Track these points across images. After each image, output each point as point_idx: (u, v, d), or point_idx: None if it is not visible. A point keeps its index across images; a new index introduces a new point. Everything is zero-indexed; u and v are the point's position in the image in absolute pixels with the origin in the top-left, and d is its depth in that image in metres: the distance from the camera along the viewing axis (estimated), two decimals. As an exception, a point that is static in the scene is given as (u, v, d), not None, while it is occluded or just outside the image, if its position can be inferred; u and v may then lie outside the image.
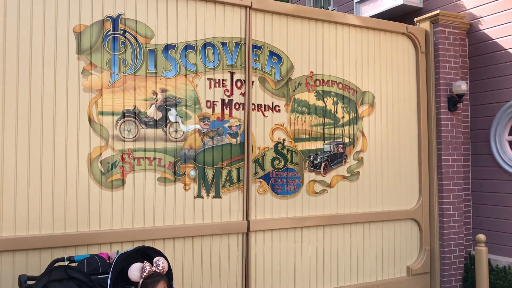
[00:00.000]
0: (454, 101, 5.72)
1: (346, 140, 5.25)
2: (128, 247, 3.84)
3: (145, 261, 2.99)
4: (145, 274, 2.93)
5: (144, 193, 4.21)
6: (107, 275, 3.10)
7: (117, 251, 3.23)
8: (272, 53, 4.85)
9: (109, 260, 3.29)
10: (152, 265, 2.99)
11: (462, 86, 5.61)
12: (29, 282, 2.94)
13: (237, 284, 4.61)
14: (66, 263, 3.17)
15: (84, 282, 3.02)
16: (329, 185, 5.13)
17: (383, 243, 5.45)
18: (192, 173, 4.43)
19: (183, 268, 4.33)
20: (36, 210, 3.79)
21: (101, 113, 4.04)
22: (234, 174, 4.63)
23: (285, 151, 4.89)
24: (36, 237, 3.76)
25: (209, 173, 4.51)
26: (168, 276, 3.11)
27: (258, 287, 4.70)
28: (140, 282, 2.95)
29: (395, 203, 5.55)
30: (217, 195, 4.55)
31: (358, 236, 5.29)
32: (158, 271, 2.97)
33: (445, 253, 5.61)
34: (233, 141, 4.63)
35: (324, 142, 5.11)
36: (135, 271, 2.96)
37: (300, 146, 4.97)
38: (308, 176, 5.01)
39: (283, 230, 4.85)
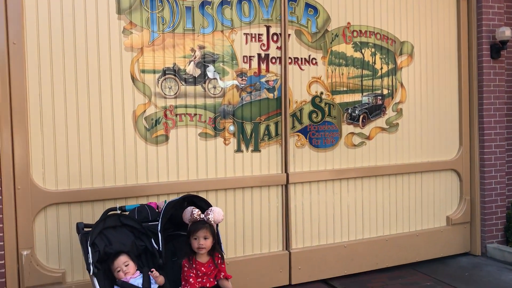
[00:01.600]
0: (497, 48, 5.54)
1: (385, 91, 5.22)
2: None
3: (195, 208, 3.14)
4: (191, 218, 3.08)
5: (187, 147, 4.37)
6: (157, 223, 3.30)
7: (165, 201, 3.41)
8: (308, 5, 4.82)
9: (157, 209, 3.48)
10: (202, 213, 3.14)
11: (506, 32, 5.41)
12: (85, 229, 3.17)
13: (278, 234, 4.78)
14: (118, 212, 3.37)
15: (136, 229, 3.22)
16: (368, 137, 5.15)
17: (423, 193, 5.48)
18: (231, 128, 4.55)
19: (226, 218, 4.51)
20: (87, 165, 4.02)
21: (143, 71, 4.17)
22: (272, 128, 4.71)
23: (322, 104, 4.92)
24: (88, 190, 4.01)
25: (248, 128, 4.61)
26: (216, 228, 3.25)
27: (298, 236, 4.86)
28: (189, 226, 3.12)
29: (435, 154, 5.53)
30: (256, 149, 4.66)
31: (397, 187, 5.33)
32: (205, 219, 3.10)
33: (486, 203, 5.59)
34: (270, 95, 4.69)
35: (362, 94, 5.10)
36: (186, 214, 3.13)
37: (338, 99, 4.98)
38: (346, 128, 5.05)
39: (321, 182, 4.95)
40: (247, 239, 4.65)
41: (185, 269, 3.07)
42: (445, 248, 5.56)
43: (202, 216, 3.11)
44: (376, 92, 5.17)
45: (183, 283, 3.04)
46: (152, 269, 3.01)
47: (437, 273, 5.09)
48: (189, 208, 3.16)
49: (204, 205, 3.28)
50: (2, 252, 3.65)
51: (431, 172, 5.51)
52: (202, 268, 3.08)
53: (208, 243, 3.06)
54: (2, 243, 3.65)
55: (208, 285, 3.03)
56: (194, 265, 3.07)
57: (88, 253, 2.94)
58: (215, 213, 3.14)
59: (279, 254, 4.75)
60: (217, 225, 3.32)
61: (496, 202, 5.63)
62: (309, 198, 4.89)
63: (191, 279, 3.00)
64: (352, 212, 5.09)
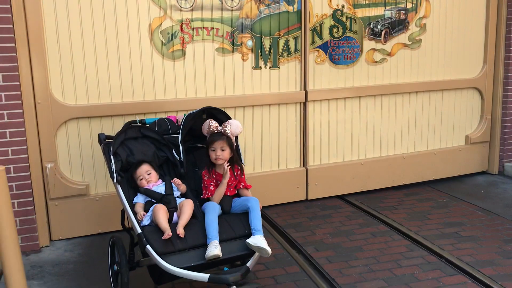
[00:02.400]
0: (531, -43, 5.20)
1: (409, 5, 4.99)
2: (192, 114, 4.04)
3: (212, 120, 3.14)
4: (209, 130, 3.09)
5: (204, 63, 4.30)
6: (177, 135, 3.32)
7: (184, 114, 3.41)
8: None
9: (177, 123, 3.49)
10: (220, 125, 3.14)
11: None
12: (107, 140, 3.21)
13: (296, 151, 4.81)
14: (138, 124, 3.39)
15: (157, 140, 3.25)
16: (389, 54, 5.01)
17: (443, 112, 5.40)
18: (249, 43, 4.44)
19: (244, 135, 4.53)
20: (105, 81, 4.00)
21: (158, -18, 4.03)
22: (291, 43, 4.59)
23: (343, 19, 4.74)
24: (107, 105, 4.02)
25: (266, 43, 4.50)
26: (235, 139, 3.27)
27: (316, 154, 4.88)
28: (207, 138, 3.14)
29: (458, 72, 5.38)
30: (275, 66, 4.58)
31: (417, 105, 5.25)
32: (222, 131, 3.10)
33: (507, 122, 5.51)
34: (290, 8, 4.52)
35: (385, 8, 4.89)
36: (204, 126, 3.14)
37: (360, 13, 4.79)
38: (368, 44, 4.90)
39: (340, 99, 4.89)
40: (265, 156, 4.70)
41: (205, 178, 3.13)
42: (463, 167, 5.58)
43: (220, 128, 3.11)
44: (400, 6, 4.95)
45: (203, 191, 3.11)
46: (175, 178, 3.07)
47: (453, 190, 5.14)
48: (207, 121, 3.15)
49: (223, 118, 3.26)
50: (27, 164, 3.75)
51: (452, 90, 5.39)
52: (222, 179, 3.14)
53: (225, 154, 3.08)
54: (26, 156, 3.73)
55: (228, 194, 3.10)
56: (213, 176, 3.12)
57: (111, 161, 2.99)
58: (232, 125, 3.13)
59: (296, 170, 4.81)
60: (236, 138, 3.33)
61: (517, 121, 5.55)
62: (327, 116, 4.86)
63: (211, 187, 3.07)
64: (371, 130, 5.07)
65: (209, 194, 3.07)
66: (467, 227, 4.16)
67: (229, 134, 3.10)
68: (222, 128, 3.10)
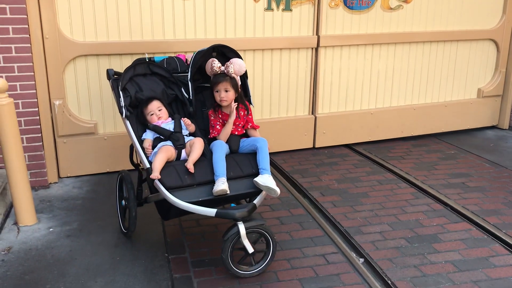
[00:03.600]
0: None
1: (429, -51, 4.79)
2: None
3: (215, 59, 3.06)
4: (211, 70, 3.02)
5: (215, 3, 4.19)
6: (186, 74, 3.26)
7: (194, 52, 3.34)
8: None
9: (186, 62, 3.42)
10: (223, 65, 3.06)
11: None
12: (115, 76, 3.16)
13: (305, 98, 4.76)
14: (147, 61, 3.33)
15: (166, 78, 3.20)
16: (406, 1, 4.85)
17: (456, 64, 5.29)
18: (262, -16, 4.30)
19: (253, 79, 4.47)
20: (114, 18, 3.92)
21: None
22: (305, -14, 4.45)
23: (360, -39, 4.57)
24: (116, 43, 3.96)
25: (280, -16, 4.36)
26: (242, 75, 3.21)
27: (325, 102, 4.83)
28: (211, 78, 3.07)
29: (475, 22, 5.22)
30: (287, 8, 4.45)
31: (431, 56, 5.13)
32: (225, 72, 3.03)
33: (521, 76, 5.40)
34: None
35: (403, -49, 4.69)
36: (207, 66, 3.06)
37: (377, -45, 4.61)
38: (383, -11, 4.74)
39: (353, 46, 4.78)
40: (274, 102, 4.65)
41: (212, 118, 3.10)
42: (473, 121, 5.52)
43: (223, 68, 3.04)
44: (420, -51, 4.75)
45: (210, 130, 3.09)
46: (185, 118, 3.04)
47: (461, 143, 5.11)
48: (210, 60, 3.07)
49: (233, 56, 3.19)
50: (35, 100, 3.73)
51: (468, 41, 5.25)
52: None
53: (230, 95, 3.02)
54: (34, 91, 3.71)
55: (236, 133, 3.07)
56: (219, 116, 3.09)
57: (120, 97, 2.96)
58: (235, 65, 3.05)
59: (304, 117, 4.77)
60: (246, 77, 3.27)
61: (533, 76, 5.43)
62: (339, 63, 4.77)
63: (217, 126, 3.04)
64: (382, 79, 4.99)
65: (215, 133, 3.05)
66: (474, 178, 4.15)
67: (232, 74, 3.03)
68: (225, 69, 3.03)
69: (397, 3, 4.81)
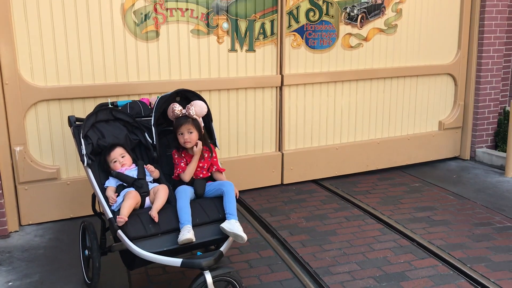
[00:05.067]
0: None
1: (385, -10, 4.99)
2: (166, 97, 3.97)
3: (176, 103, 3.07)
4: (173, 114, 3.03)
5: (179, 45, 4.22)
6: (150, 118, 3.24)
7: (158, 96, 3.33)
8: None
9: (150, 106, 3.41)
10: (184, 108, 3.08)
11: None
12: (77, 123, 3.12)
13: (271, 135, 4.79)
14: (110, 107, 3.30)
15: (129, 123, 3.18)
16: (365, 39, 5.01)
17: (417, 98, 5.45)
18: (225, 25, 4.37)
19: (219, 119, 4.49)
20: (76, 61, 3.89)
21: (130, -40, 3.91)
22: (268, 26, 4.54)
23: (320, 2, 4.70)
24: (78, 87, 3.92)
25: (242, 25, 4.44)
26: (205, 117, 3.23)
27: (291, 138, 4.88)
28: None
29: (432, 58, 5.42)
30: (251, 49, 4.52)
31: (392, 91, 5.28)
32: (187, 114, 3.05)
33: (479, 108, 5.59)
34: (267, -9, 4.46)
35: (361, -8, 4.87)
36: (169, 111, 3.07)
37: (336, -3, 4.77)
38: (344, 29, 4.88)
39: (316, 84, 4.87)
40: (241, 140, 4.67)
41: (175, 156, 3.09)
42: (435, 152, 5.66)
43: (184, 111, 3.06)
44: (376, -10, 4.94)
45: (175, 170, 3.06)
46: (148, 165, 3.01)
47: (425, 175, 5.22)
48: (171, 105, 3.09)
49: (196, 99, 3.20)
50: (-5, 147, 3.63)
51: (427, 76, 5.44)
52: (192, 160, 3.11)
53: (193, 136, 3.03)
54: (-7, 138, 3.62)
55: (201, 176, 3.06)
56: (183, 155, 3.09)
57: (81, 145, 2.91)
58: (196, 107, 3.07)
59: (272, 155, 4.80)
60: (210, 120, 3.29)
61: (489, 108, 5.64)
62: (303, 101, 4.85)
63: (182, 164, 3.03)
64: (346, 115, 5.09)
65: (180, 171, 3.03)
66: (439, 211, 4.23)
67: (194, 116, 3.04)
68: (186, 111, 3.04)
69: (357, 42, 4.96)
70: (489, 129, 5.72)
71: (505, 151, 5.28)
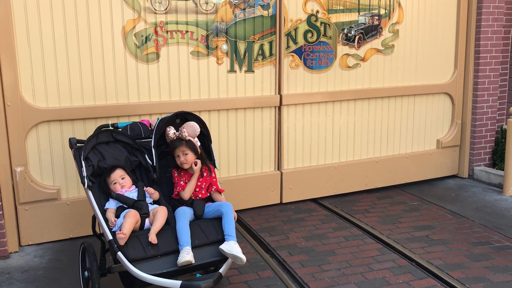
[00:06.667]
0: (500, -33, 5.35)
1: (382, 11, 5.07)
2: (166, 117, 4.02)
3: (171, 127, 3.13)
4: (168, 138, 3.10)
5: (179, 66, 4.28)
6: (150, 139, 3.29)
7: (158, 118, 3.38)
8: None
9: (150, 127, 3.46)
10: (177, 131, 3.14)
11: (510, -50, 5.19)
12: (78, 145, 3.16)
13: (270, 154, 4.83)
14: (110, 128, 3.35)
15: (129, 145, 3.22)
16: (363, 59, 5.07)
17: (415, 117, 5.50)
18: (224, 47, 4.44)
19: (219, 138, 4.53)
20: (77, 83, 3.94)
21: (131, -16, 3.99)
22: (266, 48, 4.61)
23: (318, 24, 4.78)
24: (79, 108, 3.96)
25: (241, 47, 4.51)
26: (204, 139, 3.28)
27: (290, 157, 4.91)
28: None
29: (429, 77, 5.49)
30: (250, 70, 4.58)
31: (390, 110, 5.33)
32: (181, 137, 3.11)
33: (476, 127, 5.64)
34: (265, 13, 4.53)
35: (358, 14, 4.95)
36: (165, 135, 3.13)
37: (334, 18, 4.84)
38: (341, 49, 4.95)
39: (314, 104, 4.93)
40: (240, 160, 4.70)
41: (175, 175, 3.14)
42: (434, 171, 5.68)
43: (177, 134, 3.13)
44: (373, 11, 5.03)
45: (174, 189, 3.10)
46: (148, 187, 3.04)
47: (424, 194, 5.24)
48: (166, 129, 3.16)
49: (197, 122, 3.25)
50: (-4, 168, 3.66)
51: (424, 95, 5.50)
52: (192, 180, 3.16)
53: (189, 158, 3.10)
54: (-5, 159, 3.65)
55: (200, 196, 3.09)
56: (182, 174, 3.14)
57: (82, 167, 2.95)
58: (189, 128, 3.15)
59: (271, 174, 4.83)
60: (210, 141, 3.33)
61: (486, 126, 5.69)
62: (301, 120, 4.90)
63: (181, 182, 3.08)
64: (344, 134, 5.13)
65: (180, 189, 3.08)
66: (437, 230, 4.24)
67: (187, 137, 3.11)
68: (180, 134, 3.12)
69: (354, 62, 5.03)
70: (487, 148, 5.76)
71: (503, 169, 5.31)
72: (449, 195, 5.22)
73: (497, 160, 5.75)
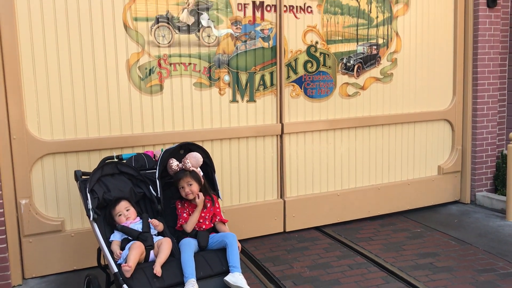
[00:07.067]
0: (494, -4, 5.48)
1: (380, 41, 5.18)
2: (170, 148, 4.07)
3: (173, 159, 3.18)
4: (171, 170, 3.14)
5: (182, 97, 4.35)
6: (154, 170, 3.33)
7: (162, 149, 3.43)
8: (303, -49, 4.69)
9: (154, 158, 3.51)
10: (180, 162, 3.19)
11: (503, -20, 5.33)
12: (83, 177, 3.20)
13: (273, 183, 4.86)
14: (115, 160, 3.40)
15: (134, 176, 3.26)
16: (362, 88, 5.15)
17: (415, 143, 5.55)
18: (227, 78, 4.52)
19: (222, 168, 4.56)
20: (82, 115, 4.01)
21: (136, 19, 4.09)
22: (267, 78, 4.69)
23: (317, 54, 4.88)
24: (84, 140, 4.01)
25: (243, 77, 4.59)
26: (207, 169, 3.32)
27: (293, 185, 4.94)
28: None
29: (428, 104, 5.56)
30: (251, 99, 4.66)
31: (390, 137, 5.38)
32: (184, 168, 3.15)
33: (477, 153, 5.68)
34: (265, 45, 4.64)
35: (357, 44, 5.05)
36: (167, 166, 3.18)
37: (333, 48, 4.94)
38: (341, 79, 5.03)
39: (316, 132, 4.98)
40: (243, 188, 4.73)
41: (179, 207, 3.17)
42: (436, 197, 5.70)
43: (181, 165, 3.17)
44: (371, 41, 5.13)
45: (178, 221, 3.13)
46: (153, 219, 3.07)
47: (427, 220, 5.24)
48: (169, 161, 3.21)
49: (200, 153, 3.30)
50: (1, 201, 3.69)
51: (424, 122, 5.56)
52: (195, 211, 3.18)
53: (193, 188, 3.14)
54: (0, 192, 3.68)
55: (204, 227, 3.11)
56: (186, 205, 3.17)
57: (87, 199, 2.98)
58: (191, 159, 3.20)
59: (274, 202, 4.84)
60: (213, 171, 3.37)
61: (487, 152, 5.73)
62: (303, 148, 4.94)
63: (184, 214, 3.10)
64: (346, 162, 5.17)
65: (183, 221, 3.10)
66: (442, 257, 4.23)
67: (191, 168, 3.15)
68: (183, 165, 3.16)
69: (354, 90, 5.11)
70: (488, 173, 5.79)
71: (505, 195, 5.33)
72: (452, 221, 5.22)
73: (498, 185, 5.77)
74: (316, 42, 4.85)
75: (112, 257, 2.81)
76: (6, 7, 3.65)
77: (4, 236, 3.72)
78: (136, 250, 2.77)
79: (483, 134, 5.68)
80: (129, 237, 2.94)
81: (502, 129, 5.93)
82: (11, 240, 3.81)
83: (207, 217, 3.21)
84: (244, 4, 4.50)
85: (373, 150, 5.30)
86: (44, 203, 3.99)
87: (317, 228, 5.03)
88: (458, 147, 5.75)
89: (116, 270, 2.71)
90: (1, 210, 3.69)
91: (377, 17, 5.11)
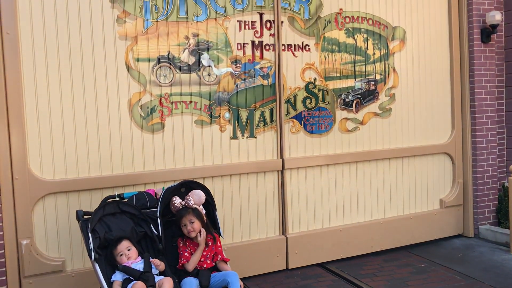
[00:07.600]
0: (487, 32, 5.59)
1: (378, 77, 5.26)
2: (171, 186, 4.08)
3: (176, 197, 3.19)
4: (174, 208, 3.15)
5: (183, 135, 4.40)
6: (156, 209, 3.34)
7: (163, 187, 3.45)
8: (300, -8, 4.84)
9: (155, 196, 3.52)
10: (183, 200, 3.20)
11: (496, 17, 5.46)
12: (85, 217, 3.20)
13: (275, 219, 4.84)
14: (116, 199, 3.41)
15: (135, 215, 3.26)
16: (361, 123, 5.21)
17: (416, 177, 5.56)
18: (227, 115, 4.58)
19: (223, 204, 4.56)
20: (84, 154, 4.04)
21: (138, 59, 4.18)
22: (267, 114, 4.75)
23: (316, 90, 4.96)
24: (85, 179, 4.03)
25: (243, 114, 4.65)
26: (208, 207, 3.32)
27: (295, 221, 4.92)
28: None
29: (428, 138, 5.60)
30: (252, 136, 4.70)
31: (391, 171, 5.40)
32: (187, 205, 3.16)
33: (478, 186, 5.68)
34: (265, 82, 4.72)
35: (355, 80, 5.14)
36: (170, 204, 3.19)
37: (331, 85, 5.02)
38: (340, 114, 5.09)
39: (316, 167, 5.00)
40: (244, 225, 4.71)
41: (180, 245, 3.16)
42: (439, 231, 5.66)
43: (183, 203, 3.18)
44: (369, 77, 5.22)
45: (179, 259, 3.11)
46: (154, 259, 3.06)
47: (431, 255, 5.19)
48: (171, 199, 3.23)
49: (201, 190, 3.32)
50: (2, 242, 3.68)
51: (424, 156, 5.58)
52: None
53: (195, 226, 3.14)
54: (1, 233, 3.67)
55: (205, 266, 3.09)
56: (188, 243, 3.15)
57: (89, 239, 2.98)
58: (194, 196, 3.21)
59: (276, 239, 4.81)
60: (214, 209, 3.37)
61: (488, 185, 5.72)
62: (304, 183, 4.95)
63: (186, 253, 3.08)
64: (347, 197, 5.16)
65: (184, 260, 3.08)
66: (447, 293, 4.18)
67: (193, 205, 3.16)
68: (186, 202, 3.17)
69: (353, 125, 5.16)
70: (490, 206, 5.76)
71: (508, 228, 5.29)
72: (456, 255, 5.16)
73: (501, 218, 5.73)
74: (315, 79, 4.94)
75: (113, 298, 2.78)
76: (11, 47, 3.74)
77: (4, 278, 3.69)
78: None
79: (484, 166, 5.69)
80: (130, 277, 2.91)
81: (503, 162, 5.95)
82: (11, 282, 3.77)
83: (208, 255, 3.20)
84: (244, 43, 4.61)
85: (374, 185, 5.30)
86: (45, 242, 3.97)
87: (320, 265, 4.98)
88: (459, 181, 5.75)
89: (117, 311, 2.68)
90: (2, 251, 3.67)
91: (374, 53, 5.22)
